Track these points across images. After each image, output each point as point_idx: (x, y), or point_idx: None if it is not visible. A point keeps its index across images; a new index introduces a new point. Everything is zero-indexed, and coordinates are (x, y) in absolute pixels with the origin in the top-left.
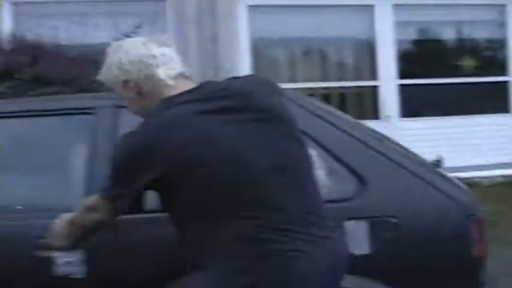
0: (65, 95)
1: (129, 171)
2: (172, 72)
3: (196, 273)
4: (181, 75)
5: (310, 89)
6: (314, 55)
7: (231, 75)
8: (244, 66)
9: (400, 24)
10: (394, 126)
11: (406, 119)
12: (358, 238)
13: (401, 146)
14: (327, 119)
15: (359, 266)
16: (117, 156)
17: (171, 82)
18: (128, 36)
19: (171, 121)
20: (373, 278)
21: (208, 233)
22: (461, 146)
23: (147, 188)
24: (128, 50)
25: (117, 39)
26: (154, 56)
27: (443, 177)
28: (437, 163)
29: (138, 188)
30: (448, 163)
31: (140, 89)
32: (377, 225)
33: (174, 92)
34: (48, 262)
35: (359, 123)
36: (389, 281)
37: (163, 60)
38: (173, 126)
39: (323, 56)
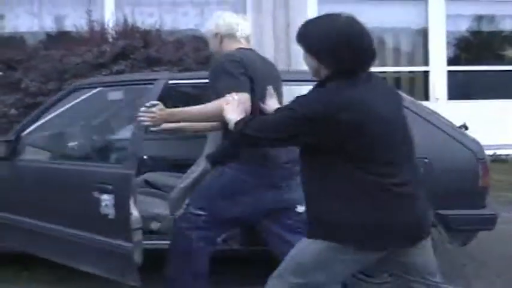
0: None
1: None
2: (244, 35)
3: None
4: (247, 39)
5: None
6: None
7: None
8: None
9: (450, 17)
10: (442, 107)
11: (453, 101)
12: None
13: (436, 113)
14: None
15: None
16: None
17: (242, 40)
18: None
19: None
20: None
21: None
22: (501, 126)
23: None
24: (224, 17)
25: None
26: (237, 24)
27: (463, 134)
28: (461, 126)
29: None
30: (489, 141)
31: (222, 40)
32: None
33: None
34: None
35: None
36: None
37: (242, 27)
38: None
39: (381, 44)
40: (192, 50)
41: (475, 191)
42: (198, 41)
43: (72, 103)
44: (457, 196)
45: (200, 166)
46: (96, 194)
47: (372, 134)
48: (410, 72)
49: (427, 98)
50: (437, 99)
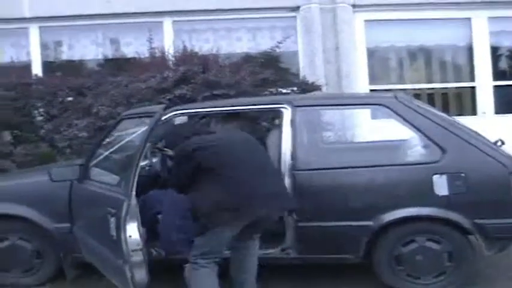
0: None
1: None
2: None
3: None
4: None
5: (418, 89)
6: (420, 61)
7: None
8: (361, 71)
9: (494, 34)
10: (489, 121)
11: (499, 115)
12: (441, 185)
13: (471, 130)
14: (424, 114)
15: (442, 202)
16: None
17: None
18: (274, 48)
19: None
20: (451, 209)
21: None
22: None
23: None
24: None
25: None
26: None
27: (495, 149)
28: (497, 141)
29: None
30: None
31: None
32: (452, 178)
33: None
34: None
35: (445, 115)
36: (460, 211)
37: None
38: None
39: (428, 62)
40: (247, 74)
41: (507, 203)
42: (254, 64)
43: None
44: (492, 207)
45: None
46: (108, 216)
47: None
48: (457, 88)
49: (474, 112)
50: (484, 113)
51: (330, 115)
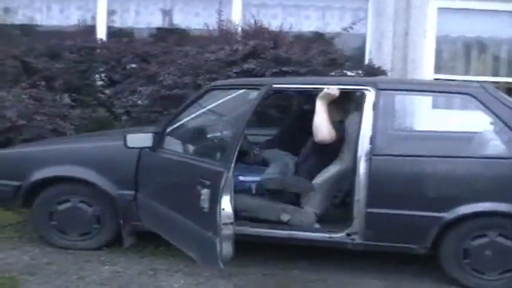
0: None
1: None
2: None
3: None
4: None
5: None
6: (488, 53)
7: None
8: (427, 59)
9: None
10: None
11: None
12: None
13: None
14: (510, 106)
15: None
16: None
17: None
18: (348, 28)
19: None
20: None
21: None
22: None
23: None
24: None
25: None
26: None
27: None
28: None
29: None
30: None
31: None
32: None
33: None
34: None
35: None
36: None
37: None
38: None
39: (496, 55)
40: (317, 53)
41: None
42: (325, 43)
43: (205, 102)
44: None
45: (337, 166)
46: (199, 187)
47: None
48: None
49: None
50: None
51: (413, 101)
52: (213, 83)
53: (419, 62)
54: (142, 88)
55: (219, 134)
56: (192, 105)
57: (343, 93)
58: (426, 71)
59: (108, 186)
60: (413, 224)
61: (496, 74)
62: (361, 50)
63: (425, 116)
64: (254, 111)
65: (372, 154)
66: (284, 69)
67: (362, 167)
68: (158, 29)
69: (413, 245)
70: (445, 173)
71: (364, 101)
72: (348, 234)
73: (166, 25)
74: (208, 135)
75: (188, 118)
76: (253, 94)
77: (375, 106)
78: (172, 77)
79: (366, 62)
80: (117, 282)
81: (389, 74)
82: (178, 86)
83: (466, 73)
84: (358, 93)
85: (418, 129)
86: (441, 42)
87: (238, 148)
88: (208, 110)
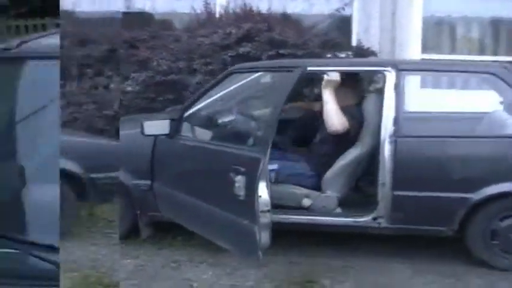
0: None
1: None
2: None
3: None
4: None
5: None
6: (474, 32)
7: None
8: (414, 39)
9: None
10: None
11: None
12: None
13: None
14: None
15: None
16: None
17: None
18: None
19: None
20: None
21: None
22: None
23: None
24: None
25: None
26: None
27: None
28: None
29: None
30: None
31: None
32: None
33: None
34: None
35: None
36: None
37: None
38: None
39: (482, 34)
40: (313, 35)
41: None
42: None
43: (226, 86)
44: None
45: (357, 149)
46: (231, 174)
47: None
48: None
49: None
50: None
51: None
52: (233, 67)
53: (405, 43)
54: (135, 74)
55: (249, 119)
56: (212, 89)
57: (355, 75)
58: (413, 51)
59: (123, 176)
60: (440, 206)
61: (482, 53)
62: (348, 32)
63: (446, 96)
64: (288, 95)
65: (396, 136)
66: (281, 51)
67: (386, 150)
68: (142, 13)
69: (441, 227)
70: (472, 153)
71: (385, 83)
72: (374, 218)
73: (148, 9)
74: (236, 121)
75: (209, 103)
76: (284, 77)
77: (397, 87)
78: (165, 62)
79: (354, 43)
80: (141, 276)
81: (377, 55)
82: (174, 71)
83: (453, 52)
84: (377, 75)
85: (447, 110)
86: (427, 22)
87: (273, 134)
88: (232, 94)
